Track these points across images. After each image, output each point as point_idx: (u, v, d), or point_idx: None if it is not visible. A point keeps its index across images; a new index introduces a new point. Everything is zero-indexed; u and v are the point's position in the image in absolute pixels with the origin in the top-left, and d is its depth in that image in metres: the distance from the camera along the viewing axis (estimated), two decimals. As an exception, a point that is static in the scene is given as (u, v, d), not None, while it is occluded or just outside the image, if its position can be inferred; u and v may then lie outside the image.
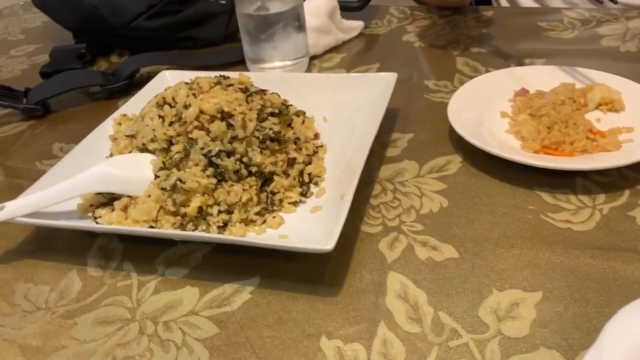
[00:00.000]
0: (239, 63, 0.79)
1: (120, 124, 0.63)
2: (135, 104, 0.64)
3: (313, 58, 0.81)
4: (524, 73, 0.66)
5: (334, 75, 0.72)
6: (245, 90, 0.55)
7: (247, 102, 0.53)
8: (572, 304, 0.41)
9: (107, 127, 0.63)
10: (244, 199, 0.49)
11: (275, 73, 0.74)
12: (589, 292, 0.42)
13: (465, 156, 0.58)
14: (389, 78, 0.63)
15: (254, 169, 0.51)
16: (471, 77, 0.70)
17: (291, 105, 0.60)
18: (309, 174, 0.54)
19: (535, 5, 0.96)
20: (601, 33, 0.80)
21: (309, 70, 0.79)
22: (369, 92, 0.63)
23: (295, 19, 0.72)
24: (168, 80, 0.69)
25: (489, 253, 0.46)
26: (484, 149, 0.53)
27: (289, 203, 0.51)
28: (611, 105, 0.59)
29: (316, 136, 0.60)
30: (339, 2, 0.84)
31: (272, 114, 0.54)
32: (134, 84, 0.77)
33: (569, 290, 0.42)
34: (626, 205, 0.50)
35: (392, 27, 0.89)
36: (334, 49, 0.84)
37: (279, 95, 0.58)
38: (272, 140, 0.52)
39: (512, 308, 0.41)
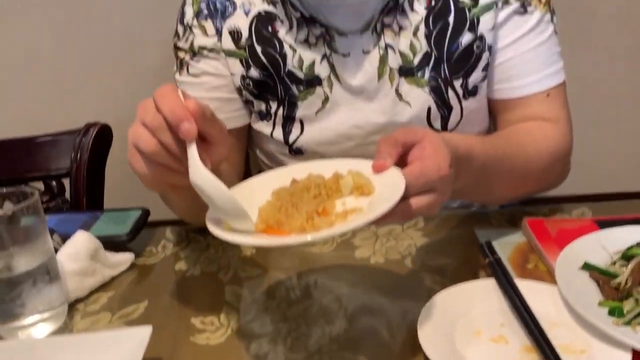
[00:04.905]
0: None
1: None
2: None
3: (77, 302, 0.77)
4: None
5: (76, 337, 0.67)
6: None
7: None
8: None
9: None
10: None
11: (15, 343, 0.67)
12: None
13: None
14: (143, 334, 0.61)
15: None
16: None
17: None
18: None
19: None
20: (356, 244, 0.88)
21: (71, 316, 0.74)
22: (121, 353, 0.60)
23: (45, 273, 0.68)
24: None
25: None
26: None
27: None
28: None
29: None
30: (104, 236, 0.83)
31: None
32: None
33: None
34: None
35: (167, 254, 0.88)
36: (101, 287, 0.80)
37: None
38: None
39: None
